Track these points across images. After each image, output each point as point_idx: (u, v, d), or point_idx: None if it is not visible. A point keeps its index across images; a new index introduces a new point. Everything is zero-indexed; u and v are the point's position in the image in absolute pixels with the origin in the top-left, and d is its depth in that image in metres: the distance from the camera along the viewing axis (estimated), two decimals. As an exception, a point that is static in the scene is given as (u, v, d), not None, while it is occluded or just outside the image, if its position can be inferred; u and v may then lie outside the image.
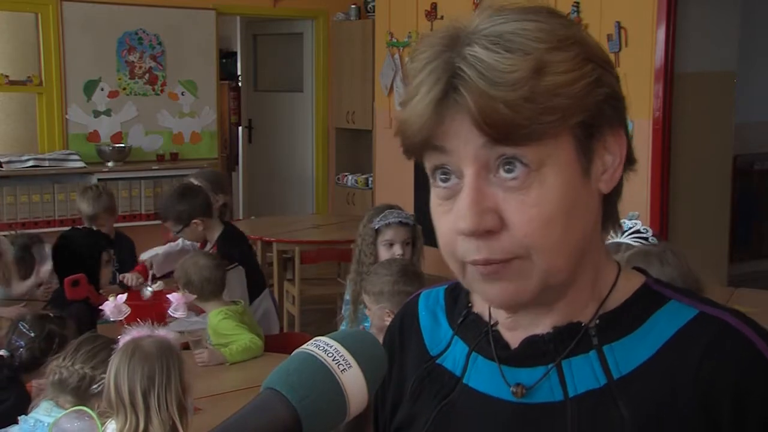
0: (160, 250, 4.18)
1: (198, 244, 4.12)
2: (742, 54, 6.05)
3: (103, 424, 2.12)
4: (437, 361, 0.97)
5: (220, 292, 3.44)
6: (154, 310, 3.53)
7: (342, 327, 3.41)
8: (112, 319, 3.44)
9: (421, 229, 3.50)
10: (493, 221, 0.81)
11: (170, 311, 3.46)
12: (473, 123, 0.79)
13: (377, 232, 3.45)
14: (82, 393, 2.34)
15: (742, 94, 6.25)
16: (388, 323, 2.82)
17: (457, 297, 1.01)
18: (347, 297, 3.48)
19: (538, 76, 0.78)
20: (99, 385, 2.33)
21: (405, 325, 1.03)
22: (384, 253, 3.40)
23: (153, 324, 2.29)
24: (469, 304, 0.98)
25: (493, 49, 0.79)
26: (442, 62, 0.81)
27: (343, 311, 3.51)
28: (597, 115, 0.83)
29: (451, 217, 0.83)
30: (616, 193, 0.89)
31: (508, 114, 0.78)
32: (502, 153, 0.80)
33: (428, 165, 0.85)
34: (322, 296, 6.06)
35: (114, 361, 2.14)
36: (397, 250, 3.39)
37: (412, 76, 0.83)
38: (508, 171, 0.81)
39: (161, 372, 2.10)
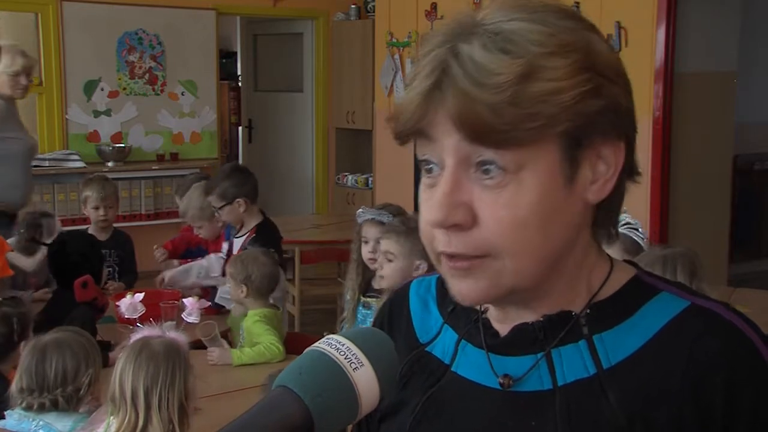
0: (204, 262, 4.13)
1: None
2: (742, 54, 6.05)
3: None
4: (426, 349, 0.97)
5: (272, 291, 3.45)
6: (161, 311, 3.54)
7: (344, 327, 3.40)
8: (126, 316, 3.47)
9: None
10: (464, 216, 0.81)
11: (183, 315, 3.47)
12: (451, 120, 0.80)
13: (361, 227, 3.43)
14: (75, 404, 2.35)
15: (742, 94, 6.25)
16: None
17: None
18: (347, 297, 3.46)
19: (525, 81, 0.78)
20: (85, 389, 2.33)
21: (394, 312, 1.03)
22: (363, 249, 3.35)
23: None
24: None
25: (488, 48, 0.79)
26: (440, 53, 0.81)
27: (345, 312, 3.49)
28: (587, 125, 0.82)
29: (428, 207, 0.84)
30: (611, 202, 0.88)
31: (487, 116, 0.78)
32: (480, 154, 0.80)
33: (417, 153, 0.86)
34: (322, 296, 6.07)
35: (121, 359, 2.15)
36: (368, 247, 3.31)
37: (416, 63, 0.84)
38: (485, 172, 0.81)
39: (166, 372, 2.11)
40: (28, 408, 2.31)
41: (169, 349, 2.16)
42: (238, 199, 3.91)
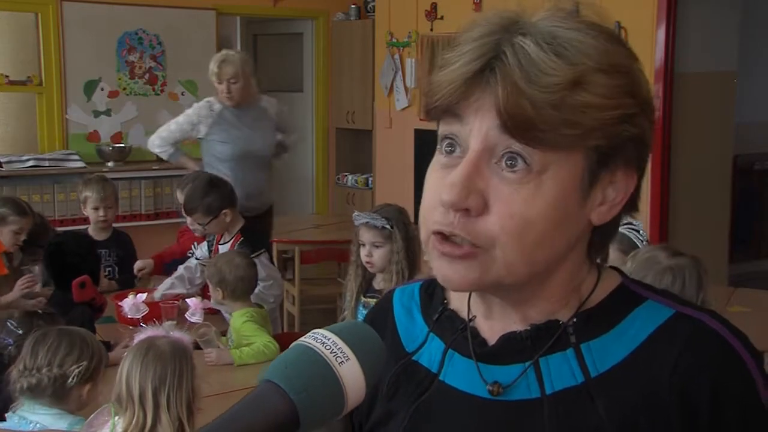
0: (184, 273, 4.06)
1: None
2: (742, 54, 6.05)
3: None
4: (413, 358, 0.97)
5: (250, 293, 3.45)
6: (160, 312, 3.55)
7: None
8: (129, 316, 3.48)
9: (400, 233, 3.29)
10: (477, 202, 0.81)
11: (187, 315, 3.48)
12: (494, 106, 0.80)
13: (358, 230, 3.39)
14: (59, 393, 2.35)
15: (742, 94, 6.25)
16: None
17: (432, 294, 1.01)
18: (347, 297, 3.45)
19: (573, 89, 0.79)
20: (72, 380, 2.33)
21: (378, 322, 1.03)
22: (360, 252, 3.30)
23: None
24: (445, 301, 0.98)
25: (542, 47, 0.80)
26: (492, 41, 0.82)
27: (345, 312, 3.48)
28: (616, 147, 0.83)
29: (441, 186, 0.84)
30: (608, 229, 0.89)
31: (530, 112, 0.79)
32: (510, 145, 0.81)
33: (441, 131, 0.86)
34: (322, 296, 6.07)
35: (127, 359, 2.16)
36: (365, 250, 3.26)
37: (459, 45, 0.84)
38: (510, 165, 0.81)
39: (173, 372, 2.12)
40: (20, 391, 2.32)
41: (176, 348, 2.18)
42: (224, 210, 3.92)
